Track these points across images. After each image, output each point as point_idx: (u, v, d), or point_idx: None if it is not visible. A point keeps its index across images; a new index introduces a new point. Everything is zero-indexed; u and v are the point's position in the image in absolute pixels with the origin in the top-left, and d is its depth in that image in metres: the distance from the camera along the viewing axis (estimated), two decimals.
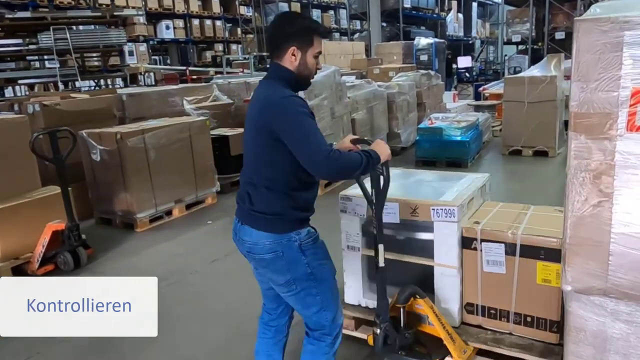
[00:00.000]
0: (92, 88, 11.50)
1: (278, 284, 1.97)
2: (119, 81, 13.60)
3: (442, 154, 6.83)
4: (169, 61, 17.70)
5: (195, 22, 17.15)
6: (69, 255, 3.90)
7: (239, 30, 18.45)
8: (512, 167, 6.76)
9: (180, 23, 16.65)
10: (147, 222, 4.93)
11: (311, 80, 2.02)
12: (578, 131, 1.32)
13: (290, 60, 1.88)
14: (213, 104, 7.41)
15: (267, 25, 2.04)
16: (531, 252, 2.27)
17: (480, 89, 11.20)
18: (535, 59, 16.66)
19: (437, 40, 13.36)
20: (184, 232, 4.79)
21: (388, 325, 2.25)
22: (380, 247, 2.16)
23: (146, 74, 14.92)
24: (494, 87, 11.41)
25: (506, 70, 15.93)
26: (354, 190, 2.64)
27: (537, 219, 2.45)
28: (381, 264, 2.17)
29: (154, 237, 4.69)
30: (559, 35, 16.41)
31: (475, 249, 2.39)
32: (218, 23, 18.20)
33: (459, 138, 6.71)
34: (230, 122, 7.38)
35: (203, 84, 8.59)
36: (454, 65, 14.98)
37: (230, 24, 19.15)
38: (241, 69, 11.77)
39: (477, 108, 9.69)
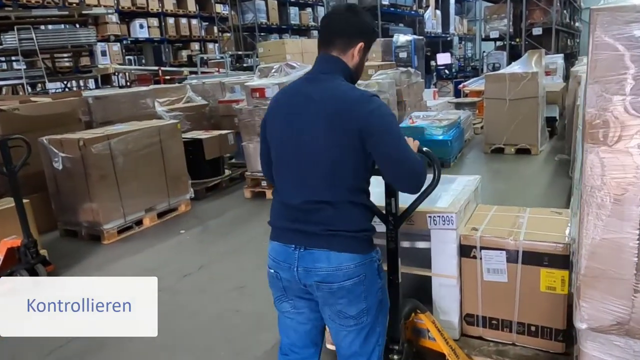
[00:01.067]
0: (63, 90, 11.05)
1: (345, 316, 1.63)
2: (91, 83, 13.15)
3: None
4: (144, 61, 17.22)
5: (170, 20, 16.71)
6: (25, 274, 3.59)
7: (215, 29, 18.06)
8: (495, 166, 6.62)
9: (154, 22, 16.20)
10: (115, 234, 4.63)
11: None
12: (596, 143, 1.11)
13: (354, 56, 1.68)
14: (186, 106, 7.13)
15: (328, 13, 1.77)
16: (534, 258, 2.10)
17: (460, 86, 11.10)
18: (513, 55, 16.74)
19: (416, 37, 13.22)
20: (154, 243, 4.50)
21: (407, 350, 2.02)
22: (398, 262, 1.96)
23: (119, 75, 14.49)
24: (474, 84, 11.32)
25: (485, 67, 15.92)
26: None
27: (536, 223, 2.28)
28: (399, 279, 1.96)
29: (122, 249, 4.39)
30: (536, 31, 16.48)
31: (474, 257, 2.22)
32: (194, 22, 17.80)
33: (440, 137, 6.54)
34: (204, 124, 7.11)
35: (176, 84, 8.26)
36: (432, 62, 14.87)
37: (207, 23, 18.76)
38: (217, 69, 11.45)
39: (458, 105, 9.56)
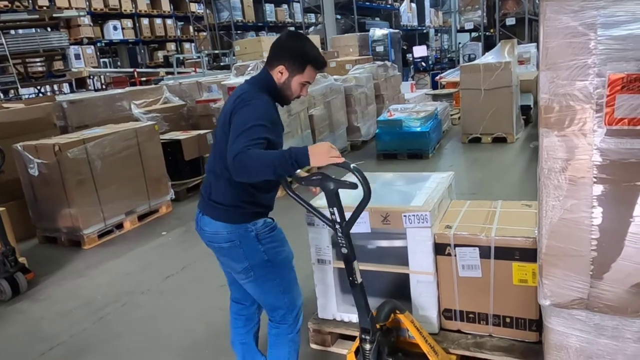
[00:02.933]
0: (36, 95, 10.86)
1: (236, 271, 2.01)
2: (66, 87, 12.92)
3: (403, 146, 6.73)
4: (119, 63, 16.99)
5: (145, 21, 16.51)
6: (5, 283, 3.55)
7: (191, 28, 17.89)
8: (472, 155, 6.72)
9: (128, 23, 15.98)
10: (96, 238, 4.60)
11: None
12: (550, 127, 1.16)
13: (277, 75, 1.95)
14: (164, 107, 7.08)
15: (278, 37, 1.98)
16: (506, 253, 2.16)
17: (437, 77, 11.21)
18: (488, 46, 16.94)
19: (392, 30, 13.29)
20: (136, 246, 4.48)
21: (380, 338, 2.05)
22: (355, 264, 1.95)
23: (94, 78, 14.27)
24: (451, 76, 11.43)
25: (461, 58, 16.09)
26: (321, 201, 2.46)
27: (508, 217, 2.34)
28: (358, 280, 1.97)
29: (103, 254, 4.36)
30: (510, 21, 16.71)
31: (449, 254, 2.26)
32: (169, 21, 17.61)
33: (418, 129, 6.62)
34: (182, 125, 7.07)
35: (152, 86, 8.19)
36: (408, 55, 14.97)
37: (182, 22, 18.58)
38: (194, 69, 11.36)
39: (435, 97, 9.67)
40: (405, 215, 2.23)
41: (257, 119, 1.77)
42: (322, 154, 1.70)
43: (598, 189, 1.14)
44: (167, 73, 10.84)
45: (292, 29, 20.04)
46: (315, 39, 13.79)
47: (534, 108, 8.75)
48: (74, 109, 5.80)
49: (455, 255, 2.26)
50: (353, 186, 1.71)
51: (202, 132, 6.27)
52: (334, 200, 1.84)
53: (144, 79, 10.64)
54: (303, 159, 1.69)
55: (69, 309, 3.40)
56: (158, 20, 17.06)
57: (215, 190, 1.95)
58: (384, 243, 2.43)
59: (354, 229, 2.25)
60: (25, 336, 3.13)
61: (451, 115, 9.00)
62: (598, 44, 1.05)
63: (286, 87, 1.96)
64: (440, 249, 2.29)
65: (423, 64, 13.70)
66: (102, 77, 14.66)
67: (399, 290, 2.47)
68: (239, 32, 17.04)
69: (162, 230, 4.82)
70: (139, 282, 3.73)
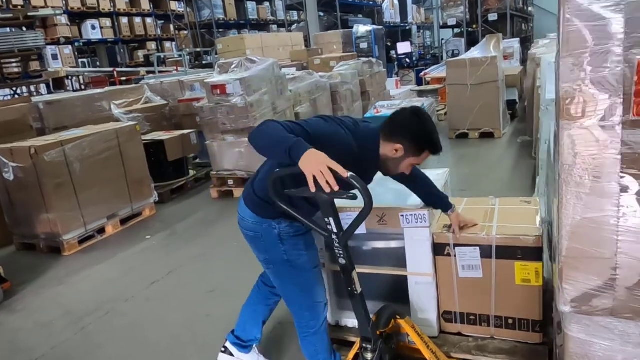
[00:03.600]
0: (12, 97, 10.53)
1: (259, 259, 2.09)
2: (43, 88, 12.57)
3: None
4: (98, 63, 16.62)
5: (124, 20, 16.19)
6: None
7: (171, 27, 17.60)
8: (460, 151, 6.68)
9: (107, 22, 15.65)
10: (76, 244, 4.42)
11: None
12: (570, 119, 1.06)
13: (391, 151, 1.87)
14: (145, 107, 6.89)
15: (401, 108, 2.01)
16: (508, 252, 2.07)
17: (422, 74, 11.17)
18: (471, 42, 17.00)
19: (375, 27, 13.23)
20: (119, 251, 4.32)
21: (382, 346, 1.94)
22: (354, 274, 1.84)
23: (74, 79, 13.92)
24: (435, 71, 11.42)
25: (444, 54, 16.12)
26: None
27: (507, 215, 2.26)
28: (358, 290, 1.86)
29: (85, 260, 4.19)
30: (492, 17, 16.79)
31: (448, 255, 2.18)
32: (149, 20, 17.29)
33: None
34: (165, 125, 6.90)
35: (133, 85, 7.98)
36: (392, 52, 14.92)
37: (162, 21, 18.26)
38: (175, 67, 11.15)
39: (421, 93, 9.62)
40: (402, 215, 2.14)
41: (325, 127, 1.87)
42: (313, 163, 1.53)
43: (624, 186, 1.06)
44: (148, 72, 10.60)
45: (275, 27, 19.85)
46: (298, 37, 13.69)
47: (520, 102, 8.76)
48: (51, 110, 5.60)
49: (455, 256, 2.18)
50: (351, 197, 1.56)
51: (185, 132, 6.11)
52: (329, 210, 1.70)
53: (124, 78, 10.39)
54: (296, 154, 1.56)
55: (49, 319, 3.24)
56: (137, 19, 16.75)
57: (257, 182, 2.00)
58: (380, 244, 2.33)
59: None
60: (2, 349, 2.96)
61: (437, 111, 8.96)
62: (625, 27, 0.96)
63: (392, 164, 1.92)
64: (439, 249, 2.20)
65: (407, 60, 13.66)
66: (81, 77, 14.32)
67: (397, 293, 2.38)
68: (220, 30, 16.81)
69: (146, 234, 4.66)
70: (122, 288, 3.57)
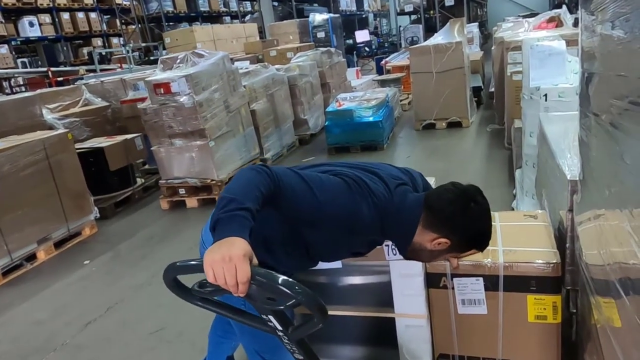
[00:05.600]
0: None
1: None
2: None
3: (355, 138, 6.22)
4: (39, 63, 15.45)
5: (65, 15, 15.07)
6: None
7: (117, 22, 16.57)
8: (429, 143, 6.31)
9: (46, 18, 14.53)
10: (0, 276, 3.79)
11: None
12: None
13: (432, 243, 1.36)
14: (83, 110, 6.20)
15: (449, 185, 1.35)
16: (519, 283, 1.67)
17: (382, 62, 10.78)
18: (429, 28, 16.79)
19: (332, 15, 12.75)
20: (52, 281, 3.71)
21: None
22: None
23: (12, 80, 12.83)
24: (396, 59, 11.07)
25: (403, 41, 15.82)
26: None
27: (513, 234, 1.85)
28: None
29: (10, 296, 3.57)
30: (449, 2, 16.64)
31: (445, 287, 1.76)
32: (92, 15, 16.19)
33: (371, 119, 6.13)
34: (108, 130, 6.23)
35: (69, 86, 7.22)
36: (348, 41, 14.50)
37: (108, 16, 17.18)
38: (119, 65, 10.35)
39: (383, 83, 9.22)
40: (387, 245, 1.69)
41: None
42: (215, 260, 0.98)
43: None
44: (89, 71, 9.77)
45: (228, 18, 19.06)
46: (252, 28, 13.06)
47: (485, 89, 8.49)
48: None
49: (453, 288, 1.76)
50: (293, 306, 1.00)
51: (128, 136, 5.49)
52: (267, 310, 1.09)
53: (60, 79, 9.52)
54: (220, 232, 1.06)
55: None
56: (80, 14, 15.64)
57: None
58: (359, 280, 1.88)
59: (321, 265, 1.76)
60: None
61: (401, 101, 8.60)
62: None
63: (429, 255, 1.41)
64: (433, 280, 1.78)
65: (367, 49, 13.27)
66: (19, 79, 13.24)
67: (382, 335, 1.94)
68: (170, 23, 15.95)
69: (85, 258, 4.07)
70: (51, 333, 2.99)
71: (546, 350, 1.71)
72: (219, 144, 4.94)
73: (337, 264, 1.82)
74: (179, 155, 4.88)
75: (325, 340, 2.03)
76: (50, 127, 5.45)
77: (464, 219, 1.33)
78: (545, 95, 3.00)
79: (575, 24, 5.75)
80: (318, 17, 11.88)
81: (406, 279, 1.74)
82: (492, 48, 6.89)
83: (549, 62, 3.06)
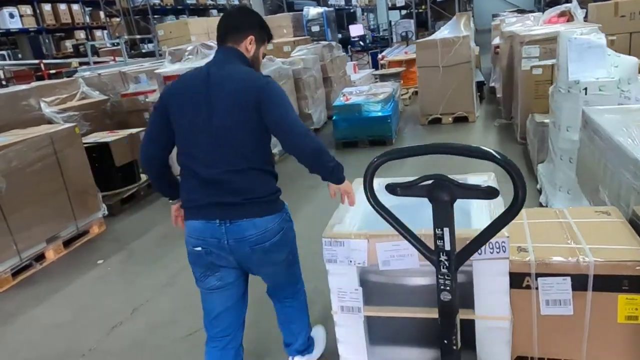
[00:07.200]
0: None
1: (278, 261, 1.92)
2: None
3: (363, 133, 6.13)
4: (20, 56, 14.95)
5: (47, 7, 14.59)
6: None
7: (101, 14, 16.13)
8: (437, 137, 6.24)
9: (27, 10, 14.03)
10: (10, 278, 3.60)
11: None
12: None
13: (247, 47, 1.87)
14: (82, 103, 5.97)
15: (223, 14, 1.87)
16: (610, 283, 1.60)
17: (379, 57, 10.69)
18: (420, 23, 16.78)
19: (327, 9, 12.61)
20: (65, 283, 3.54)
21: None
22: (458, 318, 1.38)
23: None
24: (392, 54, 10.99)
25: (394, 36, 15.77)
26: (341, 227, 1.79)
27: (593, 232, 1.78)
28: (458, 344, 1.36)
29: (22, 298, 3.39)
30: None
31: (528, 287, 1.67)
32: (75, 7, 15.73)
33: (380, 113, 6.04)
34: (107, 124, 6.01)
35: (65, 79, 6.96)
36: (338, 35, 14.36)
37: (91, 8, 16.71)
38: (112, 58, 10.06)
39: (383, 77, 9.14)
40: None
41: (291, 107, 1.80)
42: (349, 187, 1.92)
43: None
44: (81, 64, 9.46)
45: (215, 11, 18.72)
46: None
47: (487, 84, 8.47)
48: None
49: (536, 288, 1.68)
50: (490, 194, 1.27)
51: (133, 131, 5.30)
52: (444, 216, 1.30)
53: (53, 71, 9.19)
54: (338, 176, 1.86)
55: None
56: (62, 6, 15.18)
57: (251, 185, 1.77)
58: (433, 281, 1.78)
59: (393, 265, 1.68)
60: None
61: (401, 96, 8.53)
62: None
63: (256, 57, 1.92)
64: (515, 280, 1.69)
65: (361, 43, 13.17)
66: (1, 72, 12.79)
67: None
68: (157, 16, 15.60)
69: (98, 257, 3.89)
70: (75, 337, 2.84)
71: (637, 352, 1.65)
72: None
73: (412, 263, 1.72)
74: None
75: (393, 343, 1.94)
76: (49, 122, 5.22)
77: (248, 16, 1.92)
78: (586, 88, 2.95)
79: (586, 18, 5.75)
80: (312, 10, 11.73)
81: (490, 279, 1.65)
82: (502, 42, 6.81)
83: (588, 55, 3.00)
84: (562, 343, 1.73)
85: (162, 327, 2.82)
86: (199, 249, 1.79)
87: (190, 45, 4.87)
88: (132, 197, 5.13)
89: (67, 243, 4.11)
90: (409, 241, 1.45)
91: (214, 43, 4.97)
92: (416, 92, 9.11)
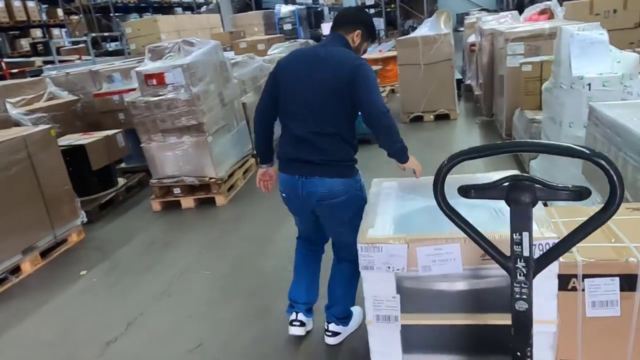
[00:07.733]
0: None
1: (342, 222, 2.16)
2: None
3: None
4: None
5: (0, 4, 13.87)
6: None
7: (59, 11, 15.45)
8: (420, 135, 6.23)
9: None
10: None
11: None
12: None
13: (353, 39, 2.20)
14: (50, 104, 5.65)
15: (343, 9, 2.35)
16: None
17: None
18: (389, 21, 16.86)
19: (299, 6, 12.47)
20: (47, 297, 3.28)
21: None
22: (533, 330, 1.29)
23: None
24: (366, 53, 10.95)
25: None
26: (374, 231, 1.67)
27: (631, 228, 1.72)
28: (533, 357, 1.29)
29: (1, 315, 3.12)
30: None
31: (574, 289, 1.60)
32: (30, 4, 14.98)
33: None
34: (78, 125, 5.70)
35: (31, 78, 6.56)
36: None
37: (47, 5, 15.97)
38: (78, 56, 9.60)
39: None
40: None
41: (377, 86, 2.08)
42: (418, 164, 2.20)
43: None
44: (46, 62, 8.98)
45: (179, 9, 18.27)
46: (215, 19, 12.55)
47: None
48: None
49: (583, 290, 1.61)
50: (582, 194, 1.17)
51: (109, 132, 5.03)
52: (524, 220, 1.22)
53: (15, 71, 8.69)
54: (406, 155, 2.15)
55: None
56: (17, 3, 14.43)
57: (330, 148, 2.07)
58: (480, 284, 1.69)
59: (434, 270, 1.59)
60: None
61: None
62: None
63: (358, 49, 2.23)
64: (561, 282, 1.62)
65: None
66: None
67: (489, 343, 1.77)
68: (119, 14, 15.09)
69: (80, 268, 3.64)
70: (69, 355, 2.61)
71: None
72: (216, 139, 4.60)
73: (455, 268, 1.63)
74: (172, 152, 4.50)
75: (426, 350, 1.85)
76: (17, 124, 4.89)
77: (363, 14, 2.33)
78: (589, 84, 2.94)
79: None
80: (284, 8, 11.58)
81: (538, 281, 1.57)
82: (482, 39, 6.85)
83: (590, 50, 3.00)
84: (606, 346, 1.68)
85: (163, 341, 2.64)
86: (284, 195, 2.23)
87: (170, 42, 4.65)
88: (110, 203, 4.87)
89: (44, 253, 3.84)
90: (482, 247, 1.35)
91: (196, 40, 4.78)
92: (393, 90, 9.14)
